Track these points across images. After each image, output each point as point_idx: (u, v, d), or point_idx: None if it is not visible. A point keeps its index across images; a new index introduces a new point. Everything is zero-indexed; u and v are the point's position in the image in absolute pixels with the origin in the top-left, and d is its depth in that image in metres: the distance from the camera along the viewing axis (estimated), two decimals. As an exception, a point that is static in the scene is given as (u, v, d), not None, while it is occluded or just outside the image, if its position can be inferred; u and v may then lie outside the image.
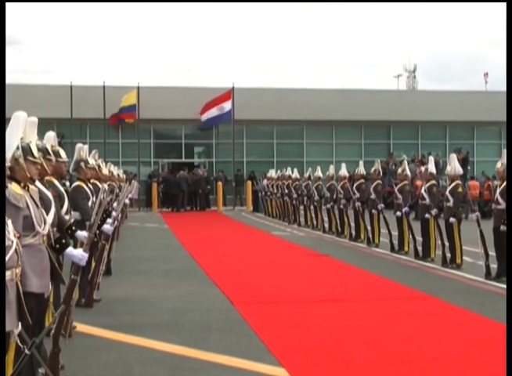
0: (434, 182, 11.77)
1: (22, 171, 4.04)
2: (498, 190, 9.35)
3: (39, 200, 4.22)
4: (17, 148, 4.02)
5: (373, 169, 14.30)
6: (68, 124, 27.56)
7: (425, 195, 11.50)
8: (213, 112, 28.71)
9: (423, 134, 32.50)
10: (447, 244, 10.88)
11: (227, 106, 28.55)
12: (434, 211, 11.24)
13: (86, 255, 4.59)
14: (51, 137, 6.31)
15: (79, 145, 7.99)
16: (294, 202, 19.97)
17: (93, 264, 7.53)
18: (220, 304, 7.78)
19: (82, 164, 7.77)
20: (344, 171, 16.12)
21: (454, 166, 11.06)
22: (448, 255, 10.82)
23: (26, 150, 4.10)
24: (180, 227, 19.25)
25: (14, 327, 3.57)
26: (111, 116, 28.26)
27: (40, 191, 4.46)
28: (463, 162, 24.10)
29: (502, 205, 9.14)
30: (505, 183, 9.13)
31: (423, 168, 13.25)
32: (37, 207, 4.11)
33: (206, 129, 30.12)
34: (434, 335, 6.26)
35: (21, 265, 3.67)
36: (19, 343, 3.65)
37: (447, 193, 10.94)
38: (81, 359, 5.52)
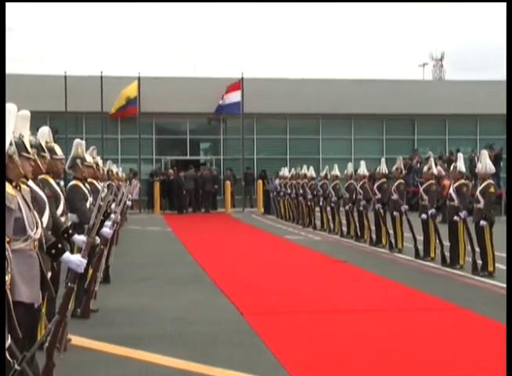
0: (463, 181, 11.72)
1: (16, 168, 4.04)
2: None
3: (32, 201, 4.23)
4: (10, 144, 4.03)
5: (394, 167, 14.27)
6: (62, 118, 27.66)
7: (453, 195, 11.45)
8: (224, 100, 28.77)
9: (451, 128, 32.38)
10: (477, 249, 10.83)
11: (235, 97, 28.57)
12: (463, 214, 11.19)
13: (84, 261, 4.60)
14: (45, 132, 6.33)
15: (77, 140, 8.02)
16: (309, 203, 19.97)
17: (90, 271, 7.55)
18: (228, 314, 7.79)
19: (78, 161, 7.79)
20: (363, 170, 16.09)
21: (485, 164, 11.01)
22: (479, 262, 10.77)
23: (19, 146, 4.11)
24: (185, 230, 19.28)
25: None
26: (115, 113, 28.33)
27: (33, 191, 4.47)
28: (496, 159, 23.98)
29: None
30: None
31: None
32: (29, 209, 4.11)
33: (216, 118, 29.96)
34: (463, 351, 6.23)
35: (10, 273, 3.68)
36: (9, 357, 3.65)
37: (477, 193, 10.90)
38: (77, 374, 5.53)
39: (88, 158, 8.33)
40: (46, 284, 4.23)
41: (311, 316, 7.75)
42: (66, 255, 4.57)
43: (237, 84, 28.56)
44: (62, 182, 8.50)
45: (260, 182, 28.06)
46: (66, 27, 69.32)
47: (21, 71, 26.71)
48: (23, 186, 4.21)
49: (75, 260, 4.57)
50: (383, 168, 15.16)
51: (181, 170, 28.62)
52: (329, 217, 18.52)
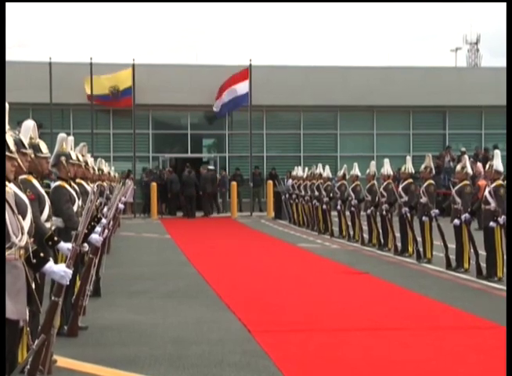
0: (501, 182, 11.69)
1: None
2: None
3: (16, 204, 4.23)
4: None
5: (423, 166, 14.24)
6: (47, 111, 27.77)
7: (490, 198, 11.43)
8: (223, 98, 28.79)
9: (487, 122, 32.32)
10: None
11: (242, 88, 28.58)
12: (501, 219, 11.16)
13: (70, 272, 4.59)
14: (29, 127, 6.33)
15: (62, 135, 8.02)
16: (325, 207, 19.95)
17: (78, 283, 7.56)
18: (235, 333, 7.80)
19: (63, 158, 7.78)
20: (387, 169, 16.09)
21: (526, 162, 10.98)
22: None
23: (0, 144, 4.12)
24: (185, 237, 19.33)
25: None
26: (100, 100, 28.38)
27: (14, 194, 4.47)
28: (538, 157, 23.90)
29: None
30: None
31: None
32: (12, 214, 4.11)
33: (221, 117, 30.06)
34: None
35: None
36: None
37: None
38: (64, 400, 5.54)
39: (74, 155, 8.31)
40: (33, 298, 4.23)
41: (329, 335, 7.74)
42: (49, 265, 4.56)
43: (244, 73, 28.55)
44: (52, 184, 8.50)
45: (270, 182, 28.06)
46: (51, 8, 69.70)
47: None
48: (6, 189, 4.21)
49: (59, 271, 4.56)
50: (409, 166, 15.15)
51: (183, 170, 28.62)
52: (349, 222, 18.50)
